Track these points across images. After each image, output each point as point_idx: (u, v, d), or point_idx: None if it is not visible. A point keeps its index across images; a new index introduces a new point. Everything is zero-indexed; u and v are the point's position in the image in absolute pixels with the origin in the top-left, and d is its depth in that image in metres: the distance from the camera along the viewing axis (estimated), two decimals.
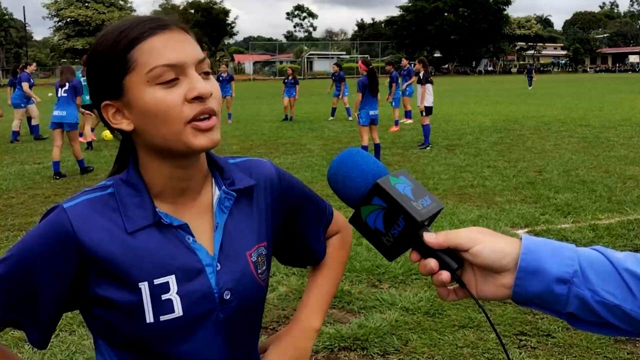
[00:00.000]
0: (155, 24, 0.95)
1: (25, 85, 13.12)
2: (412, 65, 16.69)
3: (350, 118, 16.75)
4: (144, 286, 0.97)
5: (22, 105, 13.46)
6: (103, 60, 0.96)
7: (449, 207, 6.58)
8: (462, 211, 6.49)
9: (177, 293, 0.98)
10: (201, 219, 1.04)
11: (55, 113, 9.45)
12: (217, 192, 1.07)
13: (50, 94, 15.86)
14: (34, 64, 14.61)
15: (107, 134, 12.78)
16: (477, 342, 3.53)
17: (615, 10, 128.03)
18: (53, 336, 3.88)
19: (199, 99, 0.93)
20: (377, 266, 4.72)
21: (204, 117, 0.94)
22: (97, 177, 8.87)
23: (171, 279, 0.98)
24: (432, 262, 0.82)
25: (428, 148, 11.38)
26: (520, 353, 3.41)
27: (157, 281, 0.97)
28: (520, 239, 0.81)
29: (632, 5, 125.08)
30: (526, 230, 5.85)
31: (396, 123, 14.79)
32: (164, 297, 0.97)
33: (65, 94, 9.51)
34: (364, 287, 4.41)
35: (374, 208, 0.84)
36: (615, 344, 3.51)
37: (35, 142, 13.28)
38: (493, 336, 3.57)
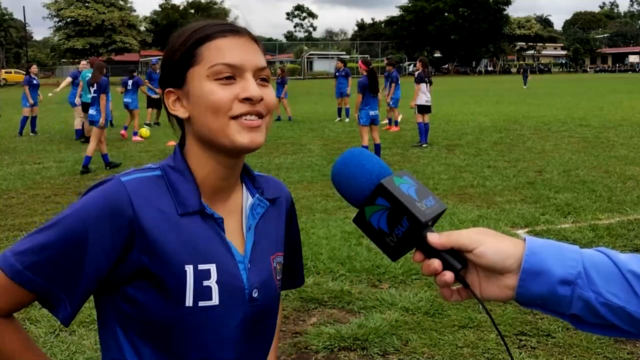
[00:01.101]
0: (227, 28, 1.04)
1: (67, 80, 13.30)
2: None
3: (348, 119, 16.67)
4: (190, 269, 1.00)
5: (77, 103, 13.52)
6: (175, 52, 1.04)
7: (449, 207, 6.58)
8: (462, 211, 6.49)
9: (216, 282, 1.01)
10: (231, 219, 1.09)
11: (90, 112, 9.96)
12: (249, 199, 1.13)
13: (50, 94, 15.82)
14: (83, 61, 14.55)
15: (143, 131, 13.46)
16: (477, 342, 3.53)
17: (615, 10, 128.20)
18: (53, 336, 3.84)
19: (249, 100, 1.00)
20: (377, 266, 4.72)
21: (250, 119, 1.00)
22: (97, 177, 8.86)
23: (212, 267, 1.02)
24: (436, 263, 0.82)
25: (425, 146, 11.39)
26: (520, 353, 3.41)
27: (201, 266, 1.01)
28: (524, 240, 0.81)
29: (632, 5, 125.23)
30: (526, 230, 5.85)
31: (396, 123, 14.77)
32: (205, 283, 1.01)
33: (95, 94, 9.97)
34: (364, 287, 4.40)
35: (378, 208, 0.84)
36: (616, 344, 3.51)
37: (35, 143, 13.27)
38: (493, 336, 3.57)
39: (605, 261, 0.78)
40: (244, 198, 1.13)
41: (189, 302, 0.99)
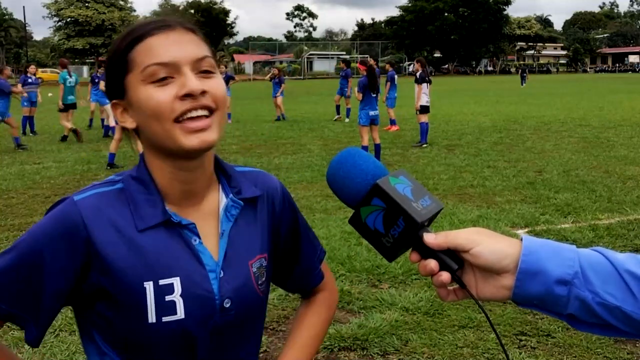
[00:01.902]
0: (157, 25, 0.97)
1: (102, 83, 13.51)
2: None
3: (348, 119, 16.68)
4: (149, 286, 0.97)
5: (105, 101, 13.65)
6: (110, 61, 1.00)
7: (449, 207, 6.58)
8: (462, 211, 6.49)
9: (180, 295, 0.98)
10: (205, 223, 1.04)
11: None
12: (223, 199, 1.07)
13: (50, 94, 15.85)
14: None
15: None
16: (477, 342, 3.53)
17: (615, 10, 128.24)
18: (53, 336, 3.83)
19: (190, 96, 0.94)
20: (377, 266, 4.72)
21: (196, 115, 0.94)
22: (96, 177, 8.86)
23: (176, 281, 0.98)
24: (432, 263, 0.82)
25: (424, 146, 11.38)
26: (520, 353, 3.41)
27: (162, 282, 0.97)
28: (521, 239, 0.81)
29: (632, 5, 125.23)
30: (526, 230, 5.85)
31: (394, 123, 14.76)
32: (168, 298, 0.97)
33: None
34: (364, 287, 4.40)
35: (373, 209, 0.83)
36: (615, 344, 3.51)
37: (35, 143, 13.26)
38: (493, 336, 3.56)
39: (602, 261, 0.78)
40: (220, 199, 1.07)
41: (151, 319, 0.96)
